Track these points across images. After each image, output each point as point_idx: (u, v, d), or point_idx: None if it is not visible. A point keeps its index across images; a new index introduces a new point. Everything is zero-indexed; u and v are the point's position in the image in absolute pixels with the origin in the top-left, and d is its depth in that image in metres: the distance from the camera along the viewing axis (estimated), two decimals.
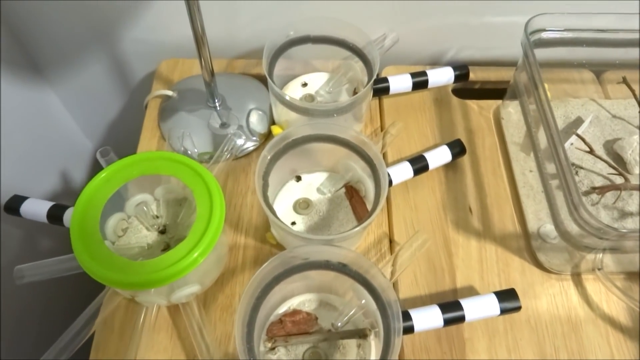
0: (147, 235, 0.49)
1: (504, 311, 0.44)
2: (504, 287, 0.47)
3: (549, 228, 0.52)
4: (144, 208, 0.49)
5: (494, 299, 0.44)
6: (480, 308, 0.44)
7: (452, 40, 0.66)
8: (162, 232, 0.49)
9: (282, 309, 0.47)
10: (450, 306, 0.44)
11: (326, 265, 0.42)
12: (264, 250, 0.51)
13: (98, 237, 0.42)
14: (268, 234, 0.50)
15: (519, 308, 0.45)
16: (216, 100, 0.59)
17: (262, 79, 0.64)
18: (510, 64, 0.65)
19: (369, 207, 0.51)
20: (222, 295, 0.49)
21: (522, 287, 0.49)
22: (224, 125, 0.60)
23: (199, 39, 0.52)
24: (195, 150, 0.58)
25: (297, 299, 0.47)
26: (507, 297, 0.45)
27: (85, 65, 0.71)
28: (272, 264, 0.40)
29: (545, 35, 0.54)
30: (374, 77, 0.51)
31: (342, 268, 0.41)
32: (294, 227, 0.50)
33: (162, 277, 0.39)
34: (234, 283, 0.49)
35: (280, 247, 0.51)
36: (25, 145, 0.69)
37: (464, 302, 0.44)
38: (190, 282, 0.44)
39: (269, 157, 0.47)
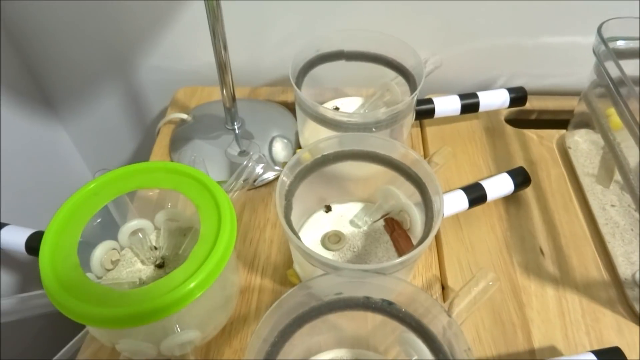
0: (141, 270, 0.40)
1: None
2: (598, 348, 0.36)
3: None
4: (140, 236, 0.40)
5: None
6: None
7: (503, 66, 0.58)
8: (160, 266, 0.40)
9: None
10: None
11: (365, 304, 0.31)
12: (284, 293, 0.41)
13: (74, 260, 0.33)
14: (290, 270, 0.40)
15: None
16: (235, 124, 0.52)
17: (288, 106, 0.57)
18: (570, 93, 0.58)
19: (415, 242, 0.41)
20: (229, 349, 0.38)
21: (621, 349, 0.37)
22: (243, 153, 0.52)
23: (221, 56, 0.46)
24: None
25: (325, 355, 0.36)
26: (611, 358, 0.33)
27: (99, 100, 0.66)
28: (294, 296, 0.30)
29: (620, 45, 0.46)
30: (418, 88, 0.44)
31: (387, 307, 0.31)
32: None
33: (148, 310, 0.29)
34: (245, 334, 0.39)
35: None
36: (28, 180, 0.63)
37: None
38: (186, 326, 0.34)
39: (289, 181, 0.39)
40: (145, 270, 0.40)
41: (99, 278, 0.39)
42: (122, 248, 0.41)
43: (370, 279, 0.32)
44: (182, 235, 0.42)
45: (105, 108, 0.66)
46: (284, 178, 0.38)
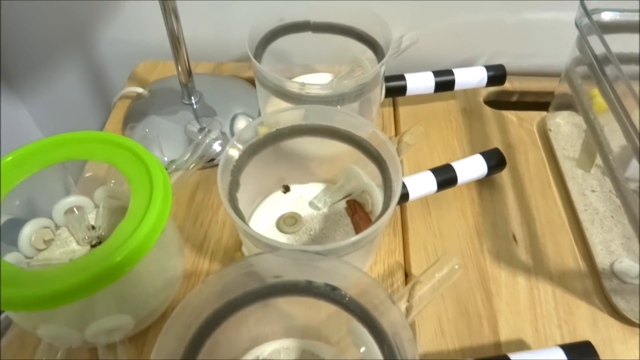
0: (75, 250, 0.37)
1: None
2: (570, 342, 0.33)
3: (627, 264, 0.38)
4: (77, 213, 0.37)
5: (560, 355, 0.29)
6: None
7: (483, 44, 0.55)
8: (96, 246, 0.36)
9: (249, 357, 0.32)
10: None
11: (306, 289, 0.28)
12: None
13: None
14: (237, 254, 0.37)
15: None
16: (193, 98, 0.49)
17: (253, 82, 0.54)
18: (555, 74, 0.54)
19: None
20: None
21: (595, 343, 0.34)
22: (203, 130, 0.49)
23: (173, 29, 0.44)
24: (165, 159, 0.46)
25: (270, 345, 0.33)
26: (581, 353, 0.30)
27: (59, 75, 0.63)
28: (221, 278, 0.26)
29: (605, 17, 0.42)
30: (386, 57, 0.40)
31: (330, 293, 0.28)
32: None
33: (58, 291, 0.26)
34: None
35: None
36: None
37: (515, 358, 0.29)
38: (113, 310, 0.31)
39: (237, 155, 0.35)
40: (80, 251, 0.37)
41: (29, 258, 0.36)
42: (58, 227, 0.38)
43: (316, 262, 0.29)
44: (124, 214, 0.38)
45: (65, 83, 0.63)
46: (231, 151, 0.35)
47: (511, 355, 0.29)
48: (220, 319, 0.27)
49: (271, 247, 0.30)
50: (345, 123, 0.37)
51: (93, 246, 0.37)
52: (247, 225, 0.31)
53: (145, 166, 0.32)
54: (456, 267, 0.34)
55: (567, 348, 0.30)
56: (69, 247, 0.37)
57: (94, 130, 0.34)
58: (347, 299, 0.27)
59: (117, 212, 0.38)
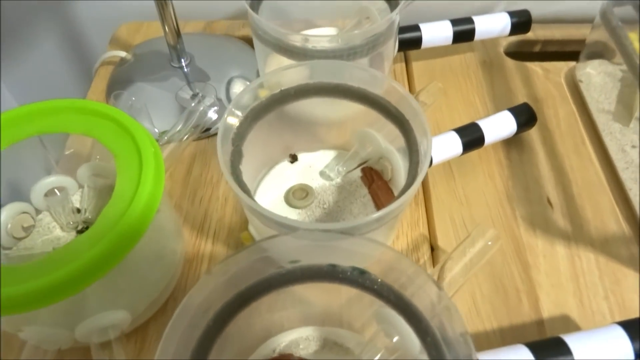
0: (60, 237, 0.32)
1: None
2: (619, 317, 0.29)
3: None
4: (57, 195, 0.33)
5: (620, 334, 0.26)
6: (600, 351, 0.25)
7: None
8: (82, 232, 0.32)
9: (264, 350, 0.29)
10: (549, 347, 0.25)
11: (330, 275, 0.24)
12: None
13: None
14: (244, 233, 0.33)
15: None
16: (182, 60, 0.44)
17: (250, 42, 0.49)
18: (581, 20, 0.49)
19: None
20: None
21: None
22: (196, 96, 0.44)
23: None
24: (155, 130, 0.42)
25: (289, 335, 0.30)
26: None
27: (36, 43, 0.57)
28: (230, 267, 0.22)
29: None
30: (400, 4, 0.35)
31: (358, 278, 0.24)
32: None
33: (40, 291, 0.22)
34: None
35: None
36: None
37: (571, 340, 0.26)
38: (107, 306, 0.27)
39: (237, 122, 0.30)
40: (64, 238, 0.32)
41: (7, 249, 0.32)
42: (38, 212, 0.33)
43: (338, 242, 0.25)
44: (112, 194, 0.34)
45: (42, 51, 0.57)
46: (229, 119, 0.30)
47: (565, 337, 0.26)
48: (233, 312, 0.23)
49: (282, 226, 0.26)
50: (357, 79, 0.33)
51: (79, 232, 0.32)
52: (254, 201, 0.26)
53: (133, 139, 0.27)
54: (490, 242, 0.30)
55: (628, 326, 0.26)
56: (52, 234, 0.32)
57: (74, 99, 0.29)
58: (378, 283, 0.23)
59: (104, 192, 0.34)
